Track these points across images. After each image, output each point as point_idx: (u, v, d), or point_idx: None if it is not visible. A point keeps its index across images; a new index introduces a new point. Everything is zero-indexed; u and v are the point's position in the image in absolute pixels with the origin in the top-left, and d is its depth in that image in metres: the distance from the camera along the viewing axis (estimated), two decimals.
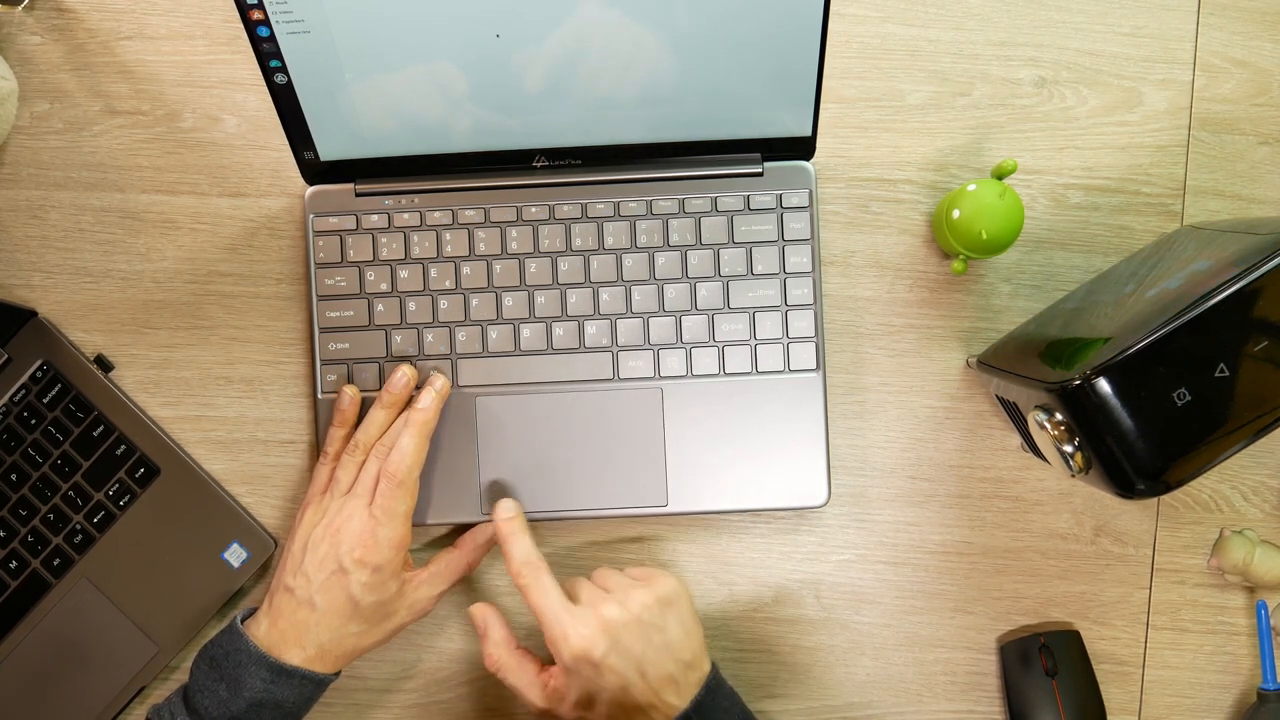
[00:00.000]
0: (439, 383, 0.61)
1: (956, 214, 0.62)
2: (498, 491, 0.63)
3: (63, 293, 0.67)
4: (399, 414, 0.61)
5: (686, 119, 0.60)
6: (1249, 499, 0.66)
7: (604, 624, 0.53)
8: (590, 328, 0.64)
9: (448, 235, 0.64)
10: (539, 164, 0.63)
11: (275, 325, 0.66)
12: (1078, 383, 0.48)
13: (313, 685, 0.56)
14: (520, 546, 0.58)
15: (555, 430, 0.63)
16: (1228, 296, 0.47)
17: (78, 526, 0.64)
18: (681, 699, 0.54)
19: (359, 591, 0.56)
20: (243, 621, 0.57)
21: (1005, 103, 0.67)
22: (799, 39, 0.56)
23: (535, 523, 0.65)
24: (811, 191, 0.64)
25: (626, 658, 0.53)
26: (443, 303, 0.64)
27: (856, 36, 0.67)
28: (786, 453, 0.63)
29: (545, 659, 0.58)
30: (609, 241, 0.64)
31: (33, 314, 0.66)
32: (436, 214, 0.64)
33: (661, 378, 0.63)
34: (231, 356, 0.66)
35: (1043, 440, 0.52)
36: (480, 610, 0.59)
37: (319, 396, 0.64)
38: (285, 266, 0.67)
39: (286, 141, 0.61)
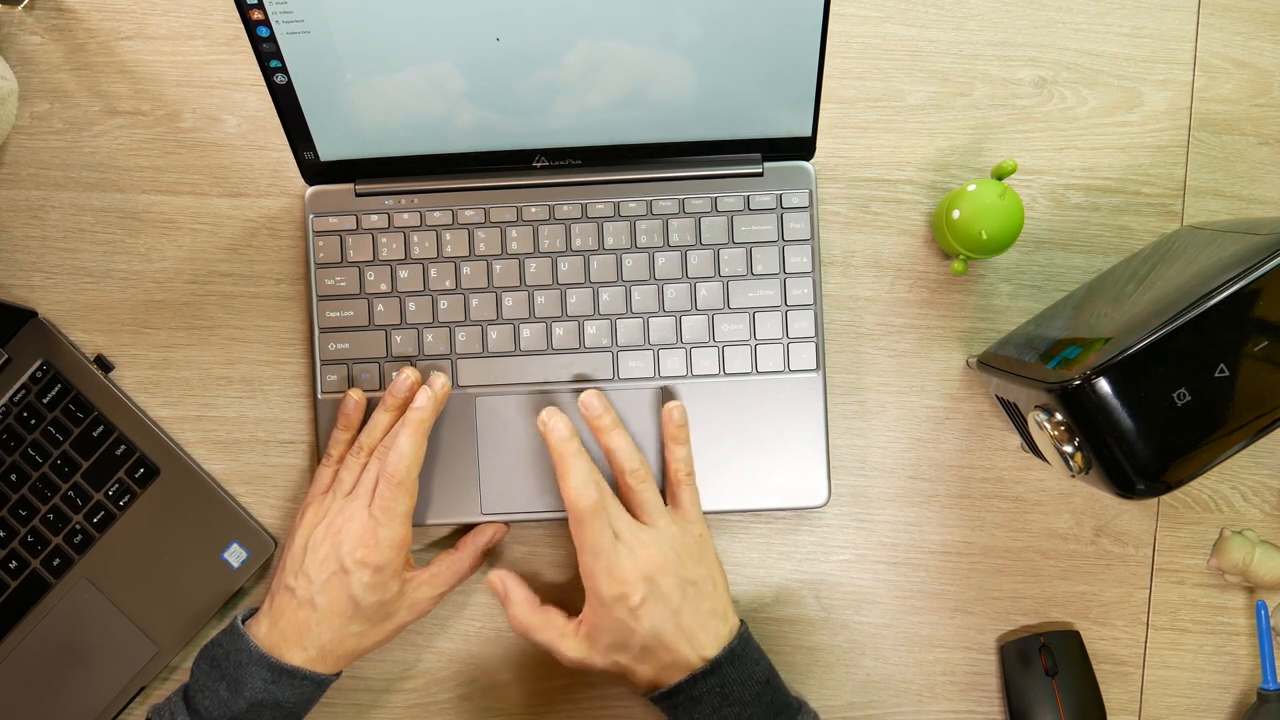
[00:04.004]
0: (438, 383, 0.61)
1: (956, 214, 0.62)
2: (498, 491, 0.63)
3: (63, 293, 0.67)
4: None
5: (686, 119, 0.60)
6: (1249, 499, 0.66)
7: (644, 569, 0.55)
8: (590, 328, 0.64)
9: (448, 235, 0.64)
10: (539, 164, 0.63)
11: (275, 325, 0.66)
12: (1078, 383, 0.48)
13: (313, 686, 0.56)
14: (580, 471, 0.56)
15: None
16: (1228, 296, 0.47)
17: (77, 526, 0.64)
18: (713, 648, 0.55)
19: (360, 592, 0.56)
20: (244, 621, 0.57)
21: (1005, 103, 0.67)
22: (799, 39, 0.56)
23: (534, 523, 0.65)
24: (811, 192, 0.64)
25: (663, 604, 0.55)
26: (443, 303, 0.64)
27: (856, 36, 0.67)
28: (786, 453, 0.63)
29: (569, 613, 0.58)
30: (609, 241, 0.64)
31: (33, 314, 0.66)
32: (436, 214, 0.64)
33: (661, 378, 0.63)
34: (231, 356, 0.66)
35: (1043, 440, 0.52)
36: (498, 576, 0.60)
37: (319, 397, 0.64)
38: (285, 266, 0.67)
39: (286, 141, 0.61)
